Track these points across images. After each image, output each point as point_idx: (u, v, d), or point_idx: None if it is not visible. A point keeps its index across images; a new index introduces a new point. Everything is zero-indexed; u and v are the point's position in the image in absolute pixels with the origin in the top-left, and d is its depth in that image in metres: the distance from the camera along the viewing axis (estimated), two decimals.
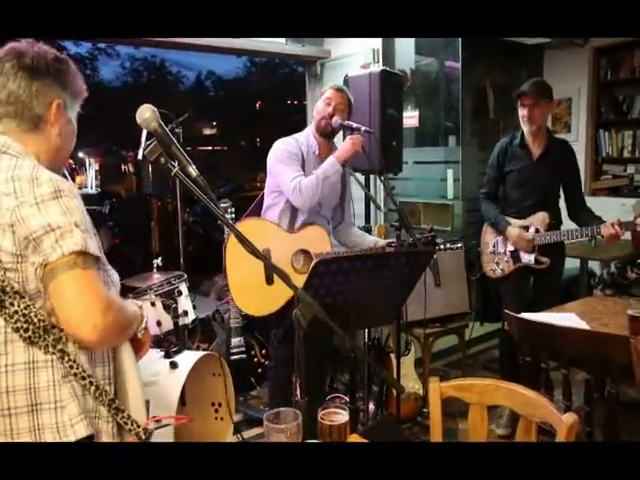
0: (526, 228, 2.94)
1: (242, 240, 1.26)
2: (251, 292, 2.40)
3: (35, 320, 1.13)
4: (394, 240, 2.57)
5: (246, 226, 2.45)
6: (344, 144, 2.52)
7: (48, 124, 1.25)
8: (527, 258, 2.95)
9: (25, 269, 1.13)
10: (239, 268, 2.37)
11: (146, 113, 1.27)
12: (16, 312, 1.12)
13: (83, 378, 1.17)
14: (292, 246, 2.49)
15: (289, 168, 2.49)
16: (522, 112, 2.90)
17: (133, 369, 1.29)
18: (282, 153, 2.53)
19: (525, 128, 2.93)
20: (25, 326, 1.13)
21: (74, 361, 1.16)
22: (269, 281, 2.30)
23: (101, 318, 1.11)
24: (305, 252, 2.50)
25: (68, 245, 1.10)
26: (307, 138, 2.62)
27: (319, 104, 2.59)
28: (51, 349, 1.15)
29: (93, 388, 1.18)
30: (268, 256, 1.30)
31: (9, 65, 1.20)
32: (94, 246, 1.15)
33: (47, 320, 1.15)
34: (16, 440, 1.13)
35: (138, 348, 1.36)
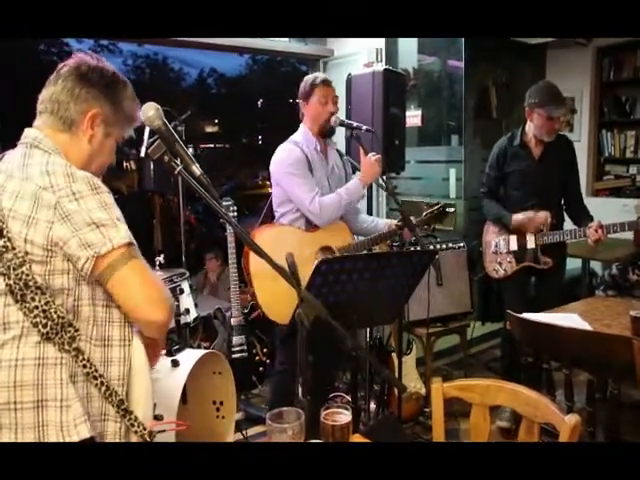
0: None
1: (244, 239, 1.26)
2: (280, 300, 2.27)
3: (54, 317, 1.15)
4: (401, 219, 2.51)
5: (266, 235, 2.40)
6: (369, 167, 2.44)
7: (80, 130, 1.28)
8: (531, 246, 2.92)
9: (54, 263, 1.14)
10: (264, 277, 2.30)
11: (150, 111, 1.27)
12: (36, 307, 1.14)
13: (95, 378, 1.19)
14: (314, 245, 2.43)
15: (302, 181, 2.39)
16: (547, 125, 2.80)
17: (146, 371, 1.29)
18: (289, 163, 2.41)
19: (545, 137, 2.85)
20: (44, 322, 1.15)
21: (87, 360, 1.18)
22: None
23: (165, 296, 1.21)
24: (328, 248, 2.44)
25: (117, 239, 1.15)
26: (305, 137, 2.51)
27: (314, 106, 2.45)
28: (66, 346, 1.16)
29: (104, 388, 1.19)
30: (292, 261, 1.29)
31: (66, 69, 1.27)
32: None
33: (66, 317, 1.16)
34: (20, 435, 1.14)
35: (152, 353, 1.36)
